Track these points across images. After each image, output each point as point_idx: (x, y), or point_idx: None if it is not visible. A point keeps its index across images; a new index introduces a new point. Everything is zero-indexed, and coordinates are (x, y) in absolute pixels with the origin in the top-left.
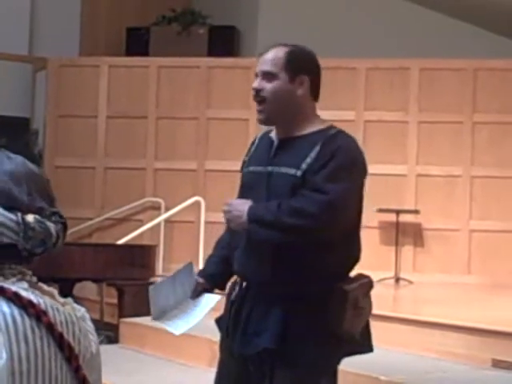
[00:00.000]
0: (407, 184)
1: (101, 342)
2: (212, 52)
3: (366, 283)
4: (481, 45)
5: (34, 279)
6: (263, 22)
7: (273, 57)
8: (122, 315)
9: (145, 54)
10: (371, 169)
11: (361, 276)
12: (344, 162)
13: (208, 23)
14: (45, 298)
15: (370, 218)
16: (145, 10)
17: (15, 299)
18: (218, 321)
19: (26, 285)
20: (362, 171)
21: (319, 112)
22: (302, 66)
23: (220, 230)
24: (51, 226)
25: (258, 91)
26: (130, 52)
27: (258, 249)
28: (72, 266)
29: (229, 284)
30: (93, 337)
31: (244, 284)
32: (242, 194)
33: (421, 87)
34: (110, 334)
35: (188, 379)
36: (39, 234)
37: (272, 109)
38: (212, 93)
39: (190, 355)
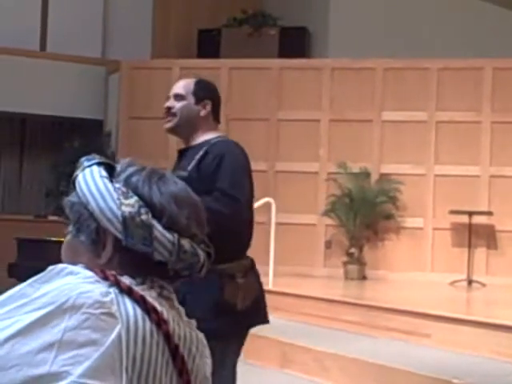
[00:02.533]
0: (480, 185)
1: None
2: (283, 53)
3: (245, 263)
4: None
5: (169, 294)
6: (334, 23)
7: (184, 83)
8: None
9: (216, 55)
10: (443, 170)
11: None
12: (232, 164)
13: (279, 24)
14: (170, 311)
15: (443, 220)
16: (216, 11)
17: (140, 301)
18: None
19: (154, 294)
20: (247, 166)
21: (392, 113)
22: (207, 93)
23: (291, 231)
24: (201, 253)
25: (169, 108)
26: (201, 54)
27: None
28: None
29: None
30: (208, 361)
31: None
32: None
33: (494, 87)
34: None
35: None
36: (190, 258)
37: (178, 122)
38: (283, 94)
39: (259, 355)
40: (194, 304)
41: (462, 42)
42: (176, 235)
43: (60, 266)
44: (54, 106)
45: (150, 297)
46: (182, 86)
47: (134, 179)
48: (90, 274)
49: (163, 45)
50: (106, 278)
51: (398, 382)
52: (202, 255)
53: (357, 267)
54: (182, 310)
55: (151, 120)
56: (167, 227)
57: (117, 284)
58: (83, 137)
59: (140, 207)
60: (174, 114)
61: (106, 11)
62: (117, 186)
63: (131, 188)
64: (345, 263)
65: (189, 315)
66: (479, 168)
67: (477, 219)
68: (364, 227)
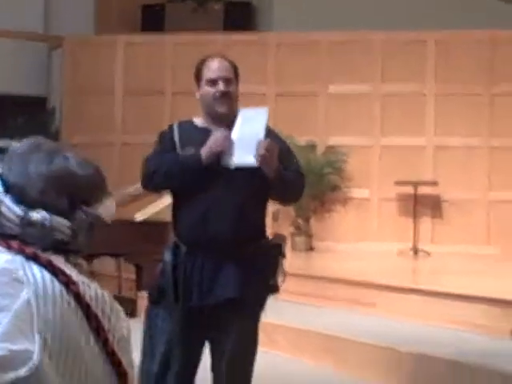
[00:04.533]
0: (425, 155)
1: None
2: (228, 28)
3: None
4: (496, 15)
5: (76, 260)
6: None
7: (227, 66)
8: (139, 290)
9: (160, 30)
10: (388, 141)
11: (278, 235)
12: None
13: None
14: (79, 275)
15: (388, 191)
16: None
17: (48, 265)
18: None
19: (62, 259)
20: None
21: (338, 86)
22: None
23: None
24: (60, 222)
25: (226, 93)
26: (145, 29)
27: (223, 211)
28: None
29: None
30: (124, 322)
31: (184, 248)
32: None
33: (437, 59)
34: (127, 308)
35: None
36: (39, 229)
37: (233, 107)
38: None
39: None
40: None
41: (406, 14)
42: (23, 208)
43: None
44: None
45: (57, 262)
46: (227, 69)
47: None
48: None
49: (106, 20)
50: (9, 247)
51: (346, 352)
52: (62, 225)
53: (304, 238)
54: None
55: (95, 96)
56: (18, 201)
57: (21, 251)
58: (27, 114)
59: None
60: (231, 98)
61: None
62: None
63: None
64: (292, 234)
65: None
66: (424, 139)
67: (422, 189)
68: (311, 199)
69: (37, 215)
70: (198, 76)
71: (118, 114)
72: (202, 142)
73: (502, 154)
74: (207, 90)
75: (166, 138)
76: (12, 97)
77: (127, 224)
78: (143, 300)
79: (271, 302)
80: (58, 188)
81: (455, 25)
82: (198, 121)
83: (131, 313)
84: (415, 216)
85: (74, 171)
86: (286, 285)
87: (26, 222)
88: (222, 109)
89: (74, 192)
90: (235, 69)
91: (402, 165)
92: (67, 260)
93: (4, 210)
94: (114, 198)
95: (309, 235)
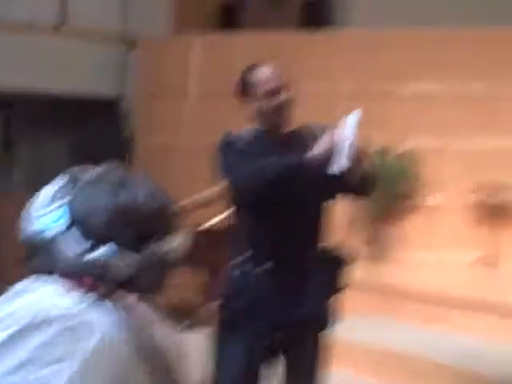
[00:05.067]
0: (506, 160)
1: (182, 330)
2: (305, 23)
3: None
4: None
5: (150, 297)
6: None
7: (278, 72)
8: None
9: (238, 29)
10: (466, 144)
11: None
12: None
13: None
14: (154, 314)
15: (465, 197)
16: None
17: (119, 305)
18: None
19: (135, 298)
20: None
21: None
22: None
23: None
24: (126, 258)
25: (289, 101)
26: (224, 28)
27: (307, 225)
28: None
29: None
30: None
31: (270, 263)
32: None
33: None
34: (191, 320)
35: None
36: (104, 265)
37: (291, 113)
38: (306, 65)
39: None
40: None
41: (498, 9)
42: (87, 243)
43: (18, 285)
44: (70, 84)
45: (130, 301)
46: (280, 75)
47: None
48: (51, 287)
49: (184, 20)
50: (80, 285)
51: (417, 372)
52: (117, 260)
53: (376, 246)
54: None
55: (170, 99)
56: (81, 235)
57: (94, 290)
58: (102, 117)
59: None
60: (291, 105)
61: None
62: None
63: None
64: (365, 243)
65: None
66: (505, 141)
67: (501, 196)
68: (384, 206)
69: (100, 251)
70: (249, 90)
71: (190, 117)
72: (274, 152)
73: None
74: (267, 101)
75: (237, 147)
76: (87, 99)
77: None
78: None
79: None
80: (123, 222)
81: None
82: (254, 131)
83: (194, 326)
84: (493, 224)
85: (140, 204)
86: (354, 297)
87: (89, 259)
88: (281, 119)
89: (141, 226)
90: (283, 73)
91: (479, 169)
92: (140, 298)
93: (67, 245)
94: (187, 232)
95: (382, 244)
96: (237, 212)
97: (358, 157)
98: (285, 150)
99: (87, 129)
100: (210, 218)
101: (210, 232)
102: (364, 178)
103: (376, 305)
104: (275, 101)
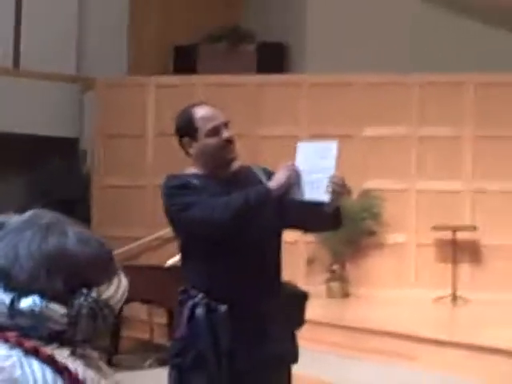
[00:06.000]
0: (463, 200)
1: (150, 365)
2: (261, 69)
3: None
4: None
5: (84, 351)
6: (311, 38)
7: (218, 110)
8: (172, 336)
9: (193, 72)
10: (425, 185)
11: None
12: None
13: (256, 40)
14: (87, 370)
15: (426, 236)
16: (193, 28)
17: (49, 362)
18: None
19: (67, 352)
20: None
21: (373, 128)
22: None
23: None
24: (54, 309)
25: (231, 139)
26: (177, 70)
27: (263, 260)
28: None
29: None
30: None
31: (223, 307)
32: None
33: (476, 102)
34: (160, 355)
35: None
36: (30, 319)
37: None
38: (261, 110)
39: None
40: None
41: (443, 57)
42: (11, 295)
43: None
44: (27, 124)
45: (61, 356)
46: (220, 112)
47: None
48: None
49: (139, 61)
50: (6, 340)
51: None
52: (56, 312)
53: (339, 284)
54: (103, 367)
55: (127, 137)
56: (5, 287)
57: (20, 345)
58: (58, 155)
59: None
60: (234, 142)
61: (80, 28)
62: None
63: None
64: (327, 280)
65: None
66: (462, 183)
67: (461, 234)
68: (346, 244)
69: (25, 303)
70: (189, 130)
71: (150, 155)
72: (222, 192)
73: None
74: (210, 141)
75: (190, 186)
76: (44, 138)
77: (158, 269)
78: None
79: (304, 351)
80: (50, 270)
81: (493, 67)
82: (197, 172)
83: (164, 361)
84: (454, 262)
85: (70, 250)
86: (320, 334)
87: (15, 312)
88: (231, 155)
89: (72, 274)
90: None
91: (439, 209)
92: (73, 353)
93: None
94: (124, 279)
95: (345, 281)
96: (189, 253)
97: (340, 189)
98: (231, 189)
99: (44, 167)
100: (167, 258)
101: (168, 270)
102: (338, 210)
103: (340, 341)
104: (218, 138)
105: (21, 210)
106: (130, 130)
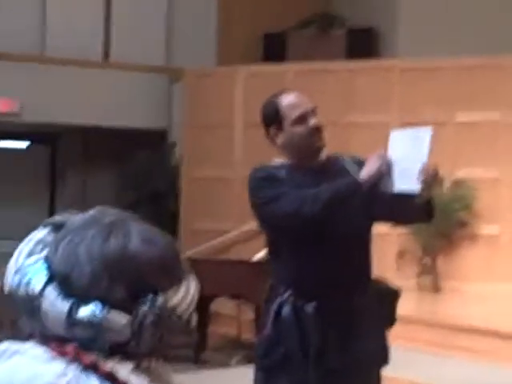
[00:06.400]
0: None
1: (237, 363)
2: (350, 55)
3: None
4: None
5: (150, 365)
6: (402, 23)
7: (304, 97)
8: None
9: (282, 59)
10: None
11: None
12: None
13: (346, 25)
14: None
15: None
16: (282, 15)
17: (110, 379)
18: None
19: (130, 366)
20: None
21: (466, 113)
22: None
23: None
24: (116, 319)
25: (319, 127)
26: (267, 58)
27: (352, 257)
28: (208, 282)
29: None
30: None
31: (311, 305)
32: None
33: None
34: (247, 353)
35: None
36: (89, 329)
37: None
38: (352, 97)
39: None
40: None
41: None
42: (70, 301)
43: (3, 345)
44: (116, 116)
45: (124, 371)
46: (307, 100)
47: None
48: (40, 351)
49: (228, 51)
50: (63, 354)
51: None
52: (116, 321)
53: (430, 278)
54: (170, 379)
55: (216, 129)
56: (65, 294)
57: (78, 360)
58: (147, 147)
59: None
60: (323, 130)
61: (168, 18)
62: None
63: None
64: (418, 274)
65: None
66: None
67: None
68: (437, 236)
69: (84, 311)
70: (275, 119)
71: (239, 147)
72: (311, 183)
73: None
74: (297, 129)
75: (277, 177)
76: (132, 130)
77: (245, 264)
78: None
79: (396, 350)
80: (112, 274)
81: None
82: (286, 162)
83: (251, 359)
84: None
85: (134, 251)
86: (412, 332)
87: (73, 321)
88: (320, 143)
89: (135, 278)
90: None
91: None
92: (138, 366)
93: (46, 305)
94: (195, 282)
95: (435, 274)
96: (276, 247)
97: (431, 179)
98: (320, 180)
99: (134, 160)
100: (256, 252)
101: (256, 265)
102: (430, 201)
103: (431, 339)
104: (306, 126)
105: (112, 204)
106: (218, 120)
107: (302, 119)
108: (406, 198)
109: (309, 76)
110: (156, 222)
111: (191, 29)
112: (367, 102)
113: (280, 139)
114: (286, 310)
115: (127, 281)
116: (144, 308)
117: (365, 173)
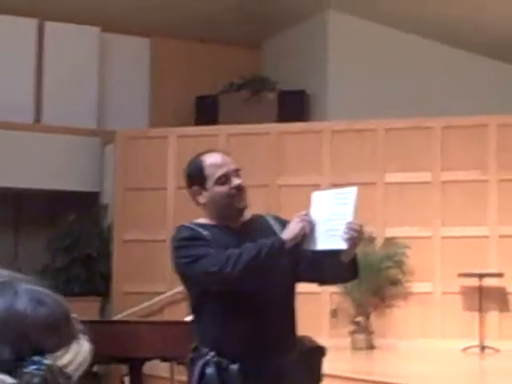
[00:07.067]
0: (489, 246)
1: None
2: (282, 117)
3: None
4: None
5: None
6: (333, 86)
7: (230, 158)
8: None
9: (214, 122)
10: (450, 231)
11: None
12: None
13: (277, 88)
14: None
15: (452, 284)
16: (214, 78)
17: None
18: None
19: None
20: None
21: (396, 174)
22: None
23: None
24: (1, 380)
25: (241, 186)
26: (199, 121)
27: (277, 315)
28: (141, 344)
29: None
30: None
31: (235, 365)
32: None
33: (499, 144)
34: None
35: None
36: None
37: (247, 198)
38: (283, 159)
39: None
40: None
41: (465, 100)
42: None
43: None
44: (48, 179)
45: None
46: (230, 159)
47: None
48: None
49: (160, 113)
50: None
51: None
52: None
53: (364, 336)
54: None
55: (148, 191)
56: None
57: None
58: (80, 210)
59: None
60: (245, 191)
61: (101, 80)
62: None
63: None
64: (351, 332)
65: None
66: (487, 228)
67: (487, 281)
68: (370, 294)
69: None
70: (198, 178)
71: (171, 209)
72: (234, 243)
73: None
74: (219, 189)
75: (200, 237)
76: (65, 192)
77: (177, 324)
78: None
79: None
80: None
81: None
82: (208, 221)
83: None
84: (481, 310)
85: (21, 311)
86: None
87: None
88: (242, 204)
89: (21, 338)
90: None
91: (465, 256)
92: None
93: None
94: (87, 341)
95: (369, 332)
96: (199, 308)
97: (357, 236)
98: (243, 240)
99: (65, 223)
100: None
101: (188, 325)
102: (355, 259)
103: None
104: (228, 186)
105: (44, 267)
106: (151, 183)
107: (224, 179)
108: (331, 256)
109: (241, 138)
110: (88, 284)
111: (123, 91)
112: (298, 164)
113: (202, 199)
114: (210, 371)
115: (13, 341)
116: (30, 369)
117: (287, 233)
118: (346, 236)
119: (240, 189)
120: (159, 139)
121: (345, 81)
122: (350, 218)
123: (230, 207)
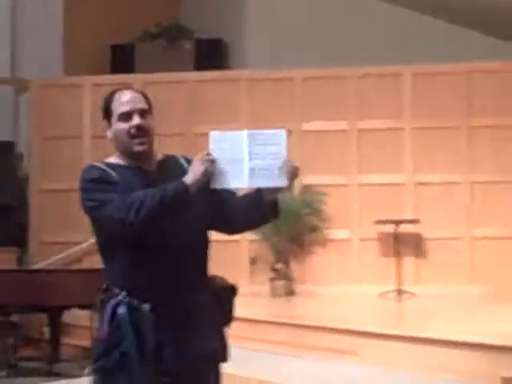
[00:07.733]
0: (405, 193)
1: (89, 373)
2: (199, 66)
3: None
4: (474, 48)
5: None
6: (250, 34)
7: (139, 96)
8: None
9: (130, 71)
10: (366, 179)
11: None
12: None
13: (195, 37)
14: None
15: (369, 230)
16: (129, 25)
17: None
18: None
19: None
20: None
21: (313, 123)
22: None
23: (214, 248)
24: None
25: (141, 127)
26: (115, 69)
27: (190, 256)
28: (59, 292)
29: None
30: None
31: (146, 305)
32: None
33: (414, 93)
34: None
35: None
36: None
37: (151, 141)
38: (200, 107)
39: None
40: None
41: (381, 49)
42: None
43: None
44: None
45: None
46: (140, 100)
47: None
48: None
49: (75, 62)
50: None
51: None
52: None
53: (284, 283)
54: None
55: (64, 139)
56: None
57: None
58: None
59: None
60: (148, 133)
61: (13, 27)
62: None
63: None
64: (271, 279)
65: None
66: (403, 176)
67: (403, 228)
68: (289, 241)
69: None
70: (106, 112)
71: (87, 157)
72: (141, 186)
73: (483, 190)
74: (120, 126)
75: (108, 179)
76: None
77: (94, 272)
78: None
79: (247, 351)
80: None
81: (431, 58)
82: (119, 161)
83: None
84: (397, 256)
85: None
86: (264, 334)
87: None
88: (140, 147)
89: None
90: (149, 100)
91: (381, 203)
92: None
93: None
94: None
95: (289, 279)
96: (108, 250)
97: (294, 172)
98: (151, 181)
99: None
100: None
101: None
102: (276, 200)
103: (283, 340)
104: (129, 124)
105: None
106: (67, 131)
107: (125, 117)
108: (255, 196)
109: (157, 87)
110: (5, 234)
111: (37, 39)
112: (216, 112)
113: (110, 134)
114: (122, 310)
115: None
116: None
117: (190, 176)
118: (288, 174)
119: (139, 129)
120: (74, 87)
121: (263, 29)
122: (284, 156)
123: (129, 147)
